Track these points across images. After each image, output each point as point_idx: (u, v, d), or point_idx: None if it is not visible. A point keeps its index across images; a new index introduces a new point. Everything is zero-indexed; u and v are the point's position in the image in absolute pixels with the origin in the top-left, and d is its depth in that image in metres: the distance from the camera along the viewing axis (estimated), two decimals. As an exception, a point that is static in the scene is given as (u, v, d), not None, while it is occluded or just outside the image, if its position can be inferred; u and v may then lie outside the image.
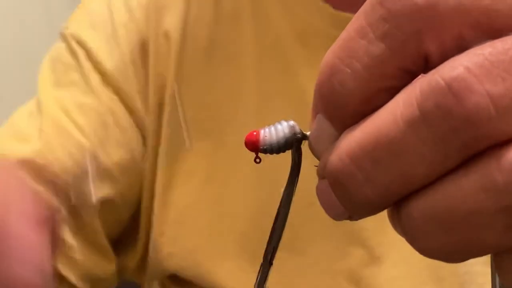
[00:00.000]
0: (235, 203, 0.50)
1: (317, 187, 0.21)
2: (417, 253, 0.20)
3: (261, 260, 0.49)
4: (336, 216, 0.21)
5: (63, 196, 0.47)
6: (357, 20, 0.20)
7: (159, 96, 0.51)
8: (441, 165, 0.18)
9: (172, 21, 0.51)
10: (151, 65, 0.51)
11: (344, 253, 0.48)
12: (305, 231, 0.49)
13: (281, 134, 0.22)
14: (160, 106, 0.51)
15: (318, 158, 0.22)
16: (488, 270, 0.48)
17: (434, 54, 0.19)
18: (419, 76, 0.19)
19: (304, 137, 0.22)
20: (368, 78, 0.19)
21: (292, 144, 0.22)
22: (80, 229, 0.49)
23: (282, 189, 0.23)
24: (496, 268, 0.20)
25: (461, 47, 0.19)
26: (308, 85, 0.49)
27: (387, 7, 0.19)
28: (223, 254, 0.50)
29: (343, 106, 0.20)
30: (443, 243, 0.19)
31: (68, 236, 0.48)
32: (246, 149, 0.22)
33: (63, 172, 0.47)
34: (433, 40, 0.19)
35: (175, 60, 0.51)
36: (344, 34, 0.20)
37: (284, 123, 0.22)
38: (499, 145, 0.18)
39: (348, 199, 0.20)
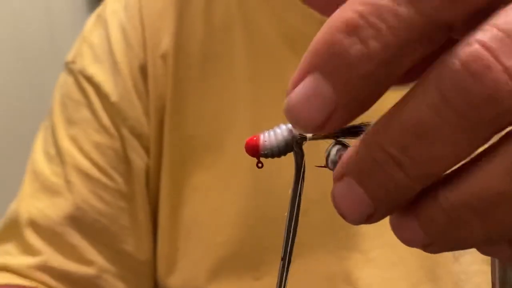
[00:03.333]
0: (233, 212, 0.51)
1: (333, 191, 0.20)
2: (413, 253, 0.20)
3: (258, 266, 0.50)
4: (357, 217, 0.20)
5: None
6: None
7: (159, 117, 0.52)
8: (469, 144, 0.18)
9: (167, 42, 0.52)
10: (151, 88, 0.52)
11: (340, 257, 0.48)
12: (300, 237, 0.49)
13: (280, 138, 0.22)
14: (161, 126, 0.52)
15: (299, 125, 0.20)
16: (485, 269, 0.49)
17: (460, 22, 0.18)
18: (439, 58, 0.18)
19: (304, 138, 0.22)
20: (393, 42, 0.18)
21: (293, 146, 0.22)
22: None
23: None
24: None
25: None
26: None
27: None
28: (222, 263, 0.51)
29: (357, 66, 0.18)
30: (478, 230, 0.19)
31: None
32: (244, 158, 0.22)
33: (100, 215, 0.52)
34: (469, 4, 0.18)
35: (171, 79, 0.52)
36: None
37: (283, 127, 0.22)
38: None
39: (378, 186, 0.19)
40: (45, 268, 0.51)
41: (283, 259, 0.23)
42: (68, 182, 0.52)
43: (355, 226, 0.48)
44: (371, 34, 0.18)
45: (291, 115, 0.20)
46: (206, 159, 0.51)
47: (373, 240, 0.48)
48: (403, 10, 0.18)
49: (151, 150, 0.53)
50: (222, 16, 0.52)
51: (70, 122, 0.54)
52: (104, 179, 0.52)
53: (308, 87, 0.19)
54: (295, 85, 0.20)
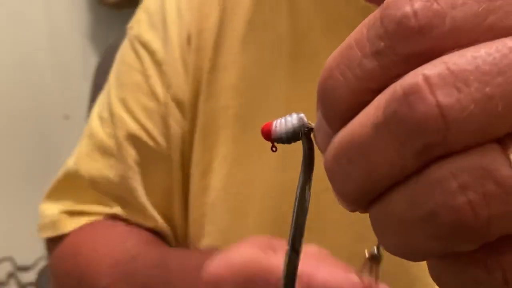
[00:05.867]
0: (260, 185, 0.52)
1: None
2: None
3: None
4: (344, 205, 0.22)
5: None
6: (360, 30, 0.20)
7: (196, 87, 0.54)
8: (401, 167, 0.19)
9: (214, 15, 0.54)
10: (192, 58, 0.54)
11: (361, 237, 0.49)
12: (325, 214, 0.50)
13: (289, 125, 0.23)
14: (197, 95, 0.54)
15: (319, 149, 0.23)
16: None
17: None
18: (393, 83, 0.20)
19: (311, 129, 0.23)
20: (357, 89, 0.20)
21: (300, 135, 0.23)
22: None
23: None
24: (432, 275, 0.21)
25: None
26: None
27: (385, 26, 0.19)
28: (246, 234, 0.52)
29: (333, 109, 0.21)
30: (394, 243, 0.21)
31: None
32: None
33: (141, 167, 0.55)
34: (424, 62, 0.19)
35: (212, 50, 0.54)
36: (346, 41, 0.21)
37: (294, 115, 0.23)
38: (444, 157, 0.18)
39: (338, 192, 0.21)
40: (118, 218, 0.56)
41: (293, 249, 0.24)
42: (119, 144, 0.55)
43: None
44: (341, 82, 0.20)
45: (315, 140, 0.23)
46: (237, 130, 0.53)
47: None
48: (367, 62, 0.20)
49: (187, 118, 0.55)
50: None
51: (121, 85, 0.57)
52: (150, 142, 0.54)
53: (317, 120, 0.22)
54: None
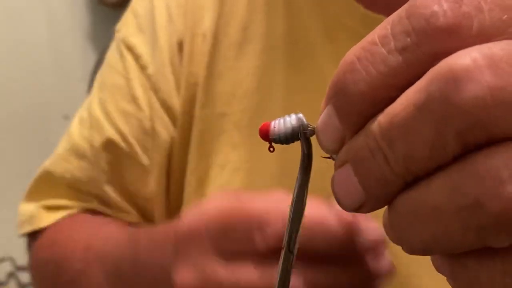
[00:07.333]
0: (259, 192, 0.51)
1: (333, 177, 0.22)
2: None
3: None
4: (350, 204, 0.22)
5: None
6: (384, 26, 0.20)
7: (191, 92, 0.53)
8: (442, 150, 0.19)
9: (209, 20, 0.53)
10: (185, 64, 0.53)
11: None
12: None
13: (288, 125, 0.23)
14: (192, 101, 0.53)
15: (322, 147, 0.22)
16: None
17: None
18: (437, 64, 0.19)
19: (311, 130, 0.23)
20: (379, 85, 0.20)
21: (299, 135, 0.23)
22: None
23: (312, 179, 0.24)
24: (449, 269, 0.20)
25: None
26: None
27: (412, 23, 0.20)
28: None
29: (351, 104, 0.21)
30: (422, 235, 0.20)
31: None
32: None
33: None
34: None
35: (207, 57, 0.53)
36: (369, 37, 0.21)
37: (293, 115, 0.23)
38: (486, 146, 0.18)
39: (369, 175, 0.21)
40: (97, 212, 0.56)
41: (288, 249, 0.23)
42: (92, 146, 0.55)
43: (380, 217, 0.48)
44: (363, 77, 0.20)
45: (317, 138, 0.23)
46: (235, 138, 0.52)
47: None
48: (391, 58, 0.20)
49: (178, 124, 0.54)
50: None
51: (102, 85, 0.56)
52: (124, 146, 0.54)
53: (325, 117, 0.22)
54: (322, 111, 0.22)
